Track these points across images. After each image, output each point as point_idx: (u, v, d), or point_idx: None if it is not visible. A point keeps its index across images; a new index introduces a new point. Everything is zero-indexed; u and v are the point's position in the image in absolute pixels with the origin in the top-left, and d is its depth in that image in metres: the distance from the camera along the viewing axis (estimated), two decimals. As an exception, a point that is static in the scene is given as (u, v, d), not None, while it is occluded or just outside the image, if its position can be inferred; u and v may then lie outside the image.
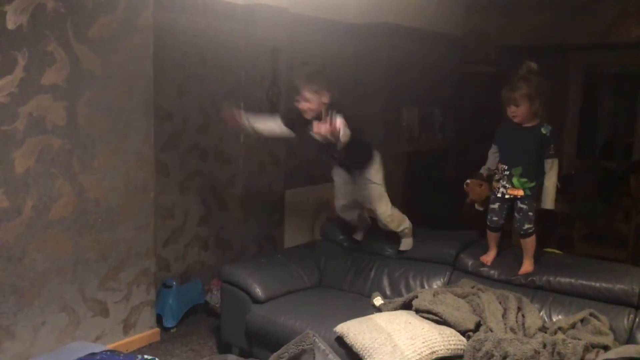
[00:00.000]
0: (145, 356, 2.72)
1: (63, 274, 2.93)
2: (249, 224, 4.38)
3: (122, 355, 2.66)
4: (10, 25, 2.59)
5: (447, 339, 2.44)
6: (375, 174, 3.09)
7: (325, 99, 2.87)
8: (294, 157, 4.78)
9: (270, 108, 4.31)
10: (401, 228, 3.19)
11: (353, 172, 3.15)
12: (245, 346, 3.04)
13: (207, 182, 4.07)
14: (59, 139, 2.85)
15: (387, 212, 3.12)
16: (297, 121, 3.02)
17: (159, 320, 3.56)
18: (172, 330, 3.60)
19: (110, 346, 2.98)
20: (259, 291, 3.04)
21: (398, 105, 5.50)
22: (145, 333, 3.38)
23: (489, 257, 2.99)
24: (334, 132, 2.65)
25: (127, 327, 3.29)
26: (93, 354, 2.58)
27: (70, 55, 2.83)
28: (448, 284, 3.02)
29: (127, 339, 3.26)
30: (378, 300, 2.96)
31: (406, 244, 3.25)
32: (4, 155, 2.66)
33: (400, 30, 5.22)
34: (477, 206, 3.07)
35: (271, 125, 3.18)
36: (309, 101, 2.87)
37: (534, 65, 2.83)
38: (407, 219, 3.22)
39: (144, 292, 3.36)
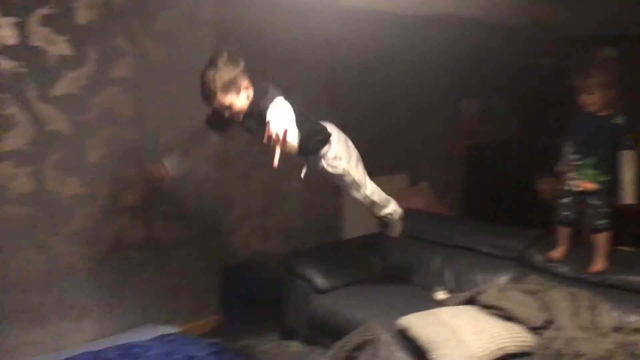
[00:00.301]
0: (210, 340, 2.82)
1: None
2: (309, 215, 4.42)
3: (188, 338, 2.77)
4: (81, 20, 2.70)
5: (514, 335, 2.39)
6: (333, 159, 2.56)
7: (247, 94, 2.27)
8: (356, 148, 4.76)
9: (329, 101, 4.32)
10: (384, 213, 2.82)
11: (310, 161, 2.63)
12: (309, 334, 3.09)
13: (267, 172, 4.13)
14: (128, 130, 2.97)
15: (363, 197, 2.72)
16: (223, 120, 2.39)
17: (225, 306, 3.66)
18: (236, 316, 3.68)
19: (180, 328, 3.09)
20: (321, 281, 3.08)
21: (457, 97, 5.41)
22: (211, 318, 3.50)
23: (558, 253, 2.90)
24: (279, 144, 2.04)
25: (193, 312, 3.40)
26: (163, 335, 2.69)
27: (137, 48, 2.92)
28: (514, 280, 2.95)
29: (193, 324, 3.38)
30: (441, 295, 2.93)
31: (393, 229, 2.89)
32: (78, 144, 2.80)
33: (461, 21, 5.10)
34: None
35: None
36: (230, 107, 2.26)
37: (610, 52, 2.72)
38: (393, 201, 2.84)
39: (209, 277, 3.46)
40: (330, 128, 2.61)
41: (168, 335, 2.73)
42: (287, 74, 4.05)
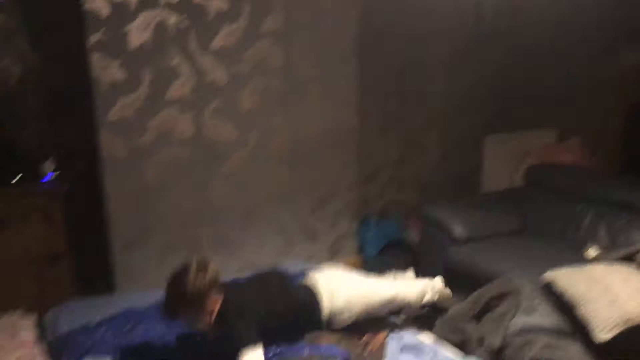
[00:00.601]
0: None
1: (280, 201, 3.28)
2: (447, 168, 4.37)
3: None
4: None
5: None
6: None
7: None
8: (498, 101, 4.57)
9: (473, 53, 4.16)
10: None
11: None
12: (444, 283, 3.10)
13: (405, 125, 4.13)
14: (277, 81, 3.14)
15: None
16: None
17: (360, 250, 3.80)
18: (371, 261, 3.81)
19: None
20: (458, 231, 3.06)
21: (614, 44, 4.86)
22: (348, 259, 3.65)
23: None
24: None
25: (333, 252, 3.58)
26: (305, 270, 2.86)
27: (285, 6, 3.05)
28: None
29: (332, 263, 3.55)
30: (593, 252, 2.77)
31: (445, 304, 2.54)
32: (232, 95, 3.02)
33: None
34: None
35: None
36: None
37: None
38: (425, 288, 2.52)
39: (347, 222, 3.60)
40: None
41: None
42: (430, 23, 3.97)
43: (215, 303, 1.93)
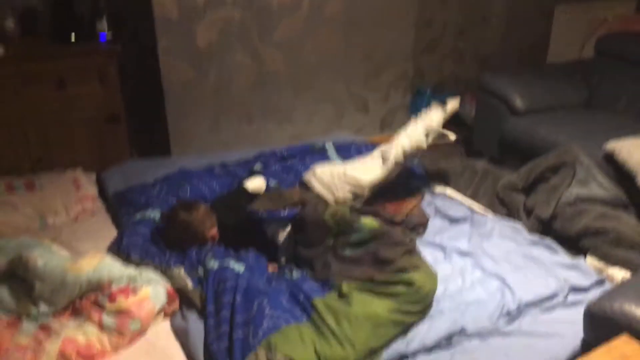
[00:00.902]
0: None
1: (332, 70, 3.19)
2: (511, 40, 4.09)
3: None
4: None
5: None
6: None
7: None
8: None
9: None
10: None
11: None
12: (496, 155, 3.03)
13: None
14: None
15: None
16: None
17: (413, 124, 3.72)
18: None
19: (369, 139, 3.25)
20: (519, 102, 2.92)
21: None
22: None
23: None
24: None
25: (384, 124, 3.52)
26: (354, 141, 2.85)
27: None
28: None
29: (382, 136, 3.51)
30: (660, 123, 2.59)
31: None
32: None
33: None
34: None
35: None
36: None
37: None
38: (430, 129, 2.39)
39: (400, 94, 3.50)
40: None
41: (358, 141, 2.89)
42: None
43: (213, 230, 1.92)
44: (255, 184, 2.14)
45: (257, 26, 2.90)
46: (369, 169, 2.16)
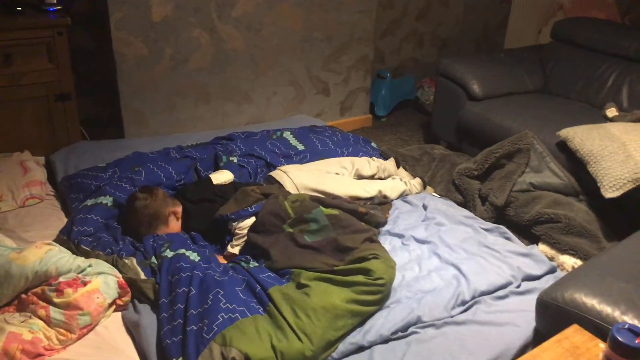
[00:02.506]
0: (361, 137, 2.90)
1: (293, 50, 3.13)
2: (469, 22, 4.12)
3: (339, 131, 2.86)
4: None
5: (694, 158, 2.14)
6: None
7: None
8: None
9: None
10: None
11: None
12: (454, 141, 3.06)
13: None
14: None
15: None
16: None
17: (372, 108, 3.72)
18: (382, 120, 3.75)
19: (328, 123, 3.23)
20: (476, 87, 2.94)
21: None
22: (359, 117, 3.58)
23: None
24: None
25: (344, 108, 3.50)
26: (314, 126, 2.82)
27: None
28: None
29: (343, 120, 3.50)
30: (612, 112, 2.67)
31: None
32: None
33: None
34: None
35: None
36: None
37: None
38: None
39: (361, 78, 3.47)
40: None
41: (317, 126, 2.86)
42: None
43: (175, 215, 1.89)
44: (222, 178, 2.08)
45: (214, 1, 2.80)
46: (343, 185, 2.12)
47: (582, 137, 2.30)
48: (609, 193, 2.06)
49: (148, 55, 2.72)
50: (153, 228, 1.83)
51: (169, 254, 1.68)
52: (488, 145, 2.59)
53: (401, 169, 2.48)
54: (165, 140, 2.53)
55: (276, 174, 2.13)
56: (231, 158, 2.26)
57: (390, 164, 2.41)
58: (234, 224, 1.81)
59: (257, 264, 1.71)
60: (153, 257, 1.69)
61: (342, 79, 3.39)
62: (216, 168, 2.23)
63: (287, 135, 2.54)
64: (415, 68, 4.09)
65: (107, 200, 1.96)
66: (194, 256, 1.68)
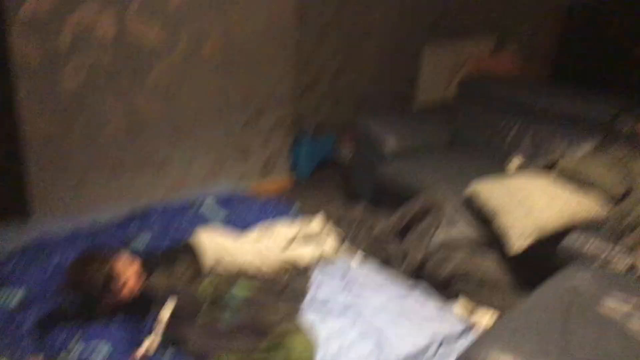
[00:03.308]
0: (282, 200, 2.91)
1: (211, 115, 3.14)
2: (384, 80, 4.29)
3: (261, 195, 2.87)
4: None
5: (589, 204, 2.30)
6: None
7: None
8: (437, 10, 4.45)
9: None
10: None
11: None
12: (374, 199, 3.13)
13: (344, 33, 3.97)
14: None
15: None
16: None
17: (293, 168, 3.76)
18: (304, 180, 3.80)
19: (250, 187, 3.23)
20: (391, 145, 3.04)
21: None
22: (281, 179, 3.61)
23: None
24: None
25: (266, 171, 3.52)
26: (234, 191, 2.80)
27: None
28: (599, 148, 2.76)
29: (264, 182, 3.51)
30: (516, 162, 2.82)
31: None
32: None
33: None
34: None
35: None
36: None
37: None
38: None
39: (281, 139, 3.52)
40: None
41: (238, 191, 2.85)
42: None
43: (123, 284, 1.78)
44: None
45: (128, 70, 2.77)
46: (262, 254, 2.10)
47: (487, 192, 2.41)
48: (515, 246, 2.16)
49: (58, 130, 2.64)
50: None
51: (79, 347, 1.58)
52: (406, 201, 2.67)
53: (324, 231, 2.50)
54: (76, 221, 2.43)
55: (193, 242, 2.08)
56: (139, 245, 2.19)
57: (313, 226, 2.43)
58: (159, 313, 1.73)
59: (174, 351, 1.64)
60: (63, 352, 1.59)
61: (262, 142, 3.42)
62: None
63: (207, 204, 2.51)
64: (335, 126, 4.19)
65: (10, 295, 1.84)
66: (107, 348, 1.60)
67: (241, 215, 2.42)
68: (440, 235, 2.48)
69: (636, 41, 5.20)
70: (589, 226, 2.29)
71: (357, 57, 4.12)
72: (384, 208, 3.02)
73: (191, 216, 2.39)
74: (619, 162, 2.49)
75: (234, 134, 3.27)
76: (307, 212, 2.76)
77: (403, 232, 2.58)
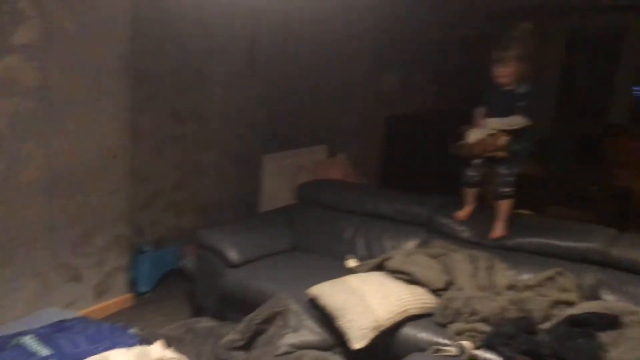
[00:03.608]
0: (118, 324, 2.72)
1: (35, 240, 2.90)
2: (226, 189, 4.36)
3: (93, 322, 2.65)
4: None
5: (418, 297, 2.48)
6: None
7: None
8: (273, 121, 4.75)
9: (250, 72, 4.24)
10: None
11: None
12: (220, 310, 3.06)
13: (182, 146, 4.03)
14: (31, 101, 2.77)
15: None
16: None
17: (133, 285, 3.56)
18: (146, 296, 3.60)
19: (83, 311, 2.98)
20: (233, 255, 3.04)
21: (380, 69, 5.47)
22: (119, 298, 3.38)
23: (463, 213, 3.00)
24: None
25: (100, 292, 3.28)
26: (62, 321, 2.56)
27: (43, 13, 2.72)
28: (422, 245, 3.05)
29: (100, 305, 3.26)
30: (352, 263, 2.98)
31: None
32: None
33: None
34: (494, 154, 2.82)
35: None
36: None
37: (528, 25, 2.71)
38: None
39: (117, 257, 3.34)
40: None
41: (71, 320, 2.61)
42: (205, 41, 3.94)
43: None
44: None
45: None
46: None
47: (327, 293, 2.50)
48: (356, 344, 2.23)
49: None
50: None
51: None
52: (252, 311, 2.64)
53: (167, 352, 2.36)
54: None
55: None
56: None
57: (153, 350, 2.28)
58: None
59: None
60: None
61: (95, 262, 3.21)
62: None
63: (28, 340, 2.24)
64: (178, 237, 4.11)
65: None
66: None
67: (68, 348, 2.20)
68: (288, 341, 2.48)
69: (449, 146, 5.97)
70: (421, 316, 2.46)
71: (199, 168, 4.17)
72: (230, 319, 2.96)
73: (8, 357, 2.11)
74: (437, 258, 2.75)
75: (63, 257, 3.03)
76: (149, 333, 2.60)
77: (249, 343, 2.53)
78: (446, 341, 2.28)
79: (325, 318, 2.54)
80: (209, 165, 4.22)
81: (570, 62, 6.79)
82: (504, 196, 2.84)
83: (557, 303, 2.36)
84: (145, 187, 3.81)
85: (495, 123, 2.74)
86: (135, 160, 3.62)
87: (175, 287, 3.75)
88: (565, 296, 2.40)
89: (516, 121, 2.70)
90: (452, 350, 2.21)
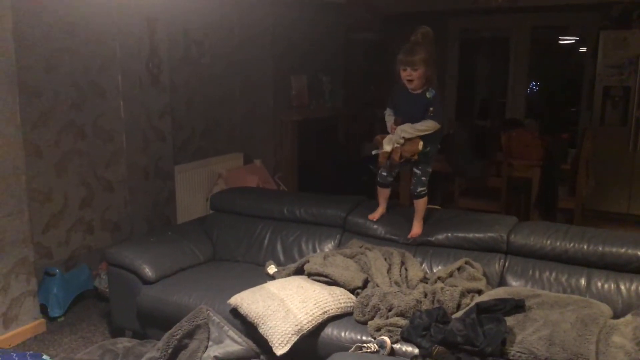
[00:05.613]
0: (29, 352, 2.57)
1: None
2: (137, 203, 4.22)
3: (3, 352, 2.49)
4: None
5: (337, 298, 2.53)
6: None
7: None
8: (182, 131, 4.66)
9: (151, 81, 4.14)
10: None
11: None
12: (139, 328, 2.96)
13: (86, 161, 3.85)
14: None
15: None
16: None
17: (44, 310, 3.36)
18: (59, 320, 3.41)
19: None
20: (148, 271, 2.95)
21: (286, 74, 5.51)
22: (29, 325, 3.19)
23: (376, 214, 3.09)
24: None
25: (8, 320, 3.08)
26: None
27: None
28: (339, 245, 3.11)
29: (9, 333, 3.06)
30: (272, 269, 2.99)
31: None
32: None
33: (285, -2, 5.20)
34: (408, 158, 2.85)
35: None
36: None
37: (427, 30, 2.78)
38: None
39: (23, 282, 3.15)
40: None
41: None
42: (101, 53, 3.80)
43: None
44: None
45: None
46: None
47: (248, 301, 2.50)
48: (279, 350, 2.25)
49: None
50: None
51: None
52: (172, 326, 2.58)
53: None
54: None
55: None
56: None
57: None
58: None
59: None
60: None
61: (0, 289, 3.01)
62: None
63: None
64: (90, 256, 3.92)
65: None
66: None
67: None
68: (212, 353, 2.46)
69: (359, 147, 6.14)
70: (342, 316, 2.51)
71: (106, 184, 4.01)
72: (151, 336, 2.87)
73: None
74: (354, 258, 2.82)
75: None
76: (63, 359, 2.48)
77: (172, 357, 2.48)
78: (367, 338, 2.36)
79: (248, 327, 2.53)
80: (117, 180, 4.06)
81: (466, 63, 7.21)
82: (421, 195, 2.95)
83: (467, 292, 2.50)
84: (48, 207, 3.62)
85: (409, 129, 2.79)
86: (35, 179, 3.43)
87: (92, 307, 3.59)
88: (474, 285, 2.54)
89: (429, 125, 2.78)
90: (373, 347, 2.28)
